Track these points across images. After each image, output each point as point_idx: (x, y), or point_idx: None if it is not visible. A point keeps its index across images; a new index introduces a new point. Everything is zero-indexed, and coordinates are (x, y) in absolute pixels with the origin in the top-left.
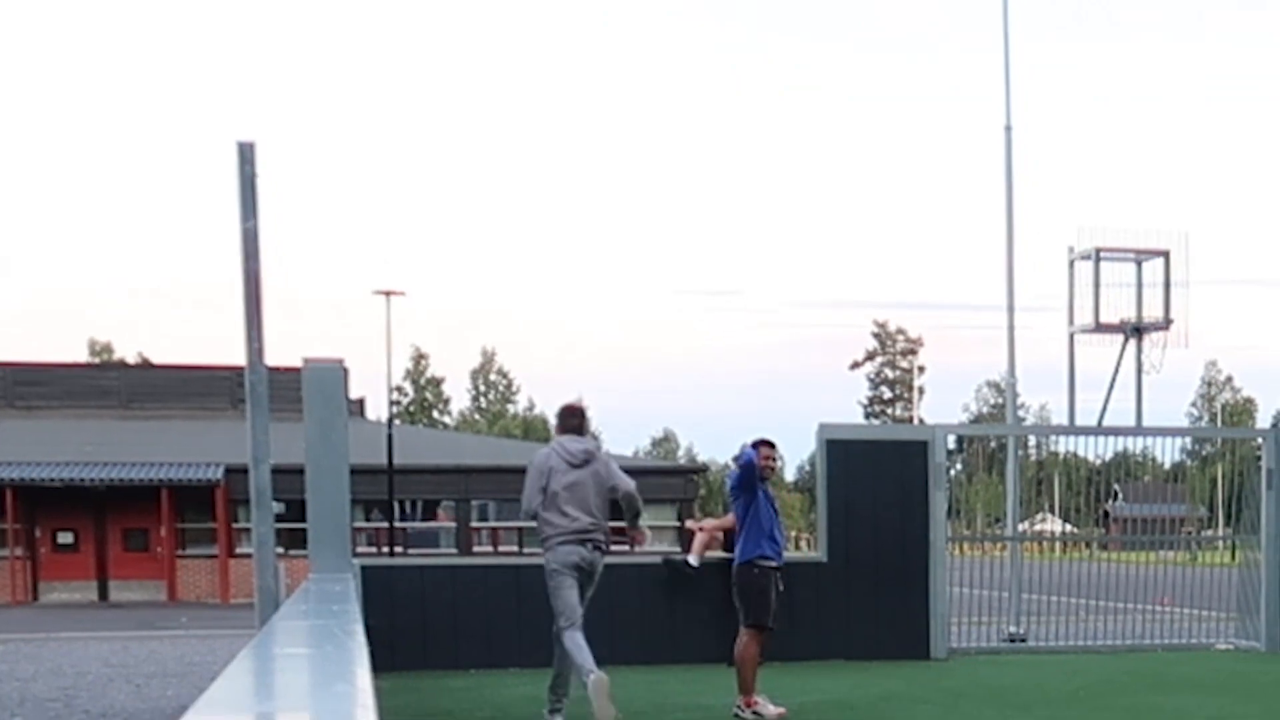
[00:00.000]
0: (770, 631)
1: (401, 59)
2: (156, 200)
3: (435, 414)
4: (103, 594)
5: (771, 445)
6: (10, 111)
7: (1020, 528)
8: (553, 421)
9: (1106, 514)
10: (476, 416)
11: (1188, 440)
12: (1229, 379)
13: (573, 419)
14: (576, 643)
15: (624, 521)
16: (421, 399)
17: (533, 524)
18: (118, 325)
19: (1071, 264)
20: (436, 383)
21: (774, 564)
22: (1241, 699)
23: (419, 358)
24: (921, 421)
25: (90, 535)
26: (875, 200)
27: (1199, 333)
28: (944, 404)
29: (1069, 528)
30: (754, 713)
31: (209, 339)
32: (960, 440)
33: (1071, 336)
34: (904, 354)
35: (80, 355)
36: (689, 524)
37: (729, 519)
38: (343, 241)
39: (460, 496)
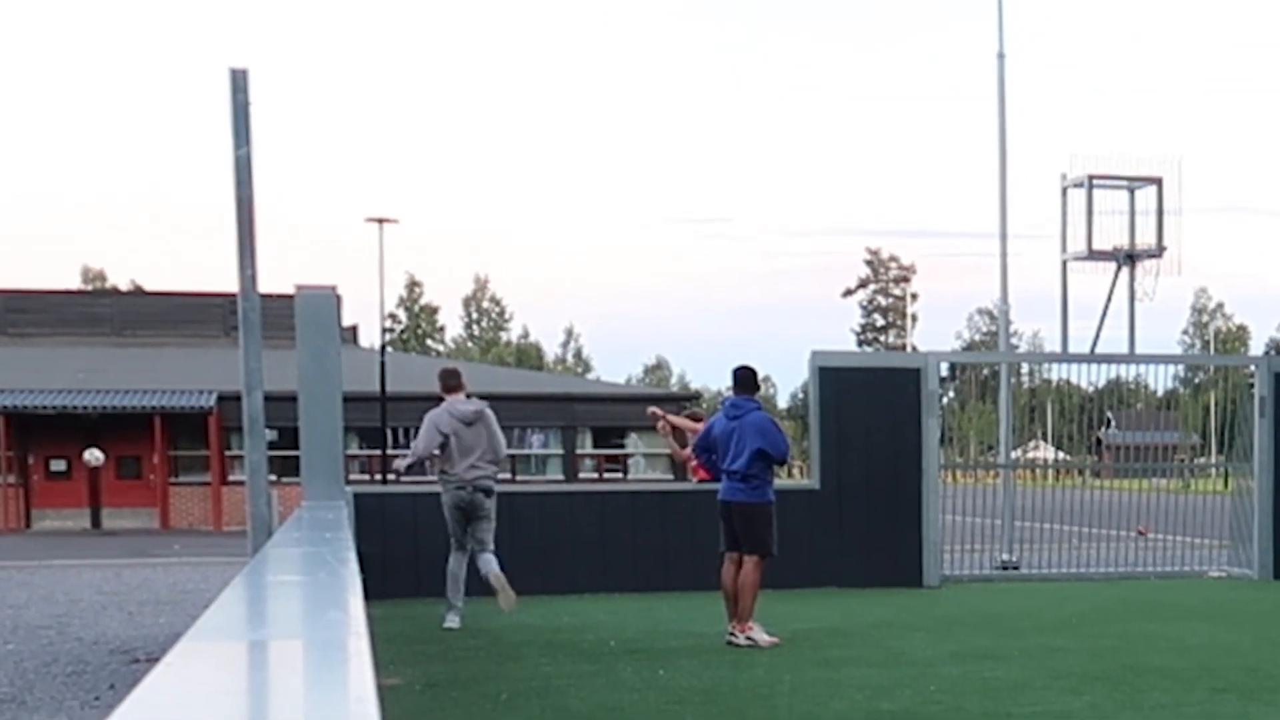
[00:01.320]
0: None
1: None
2: (150, 127)
3: (429, 342)
4: (95, 521)
5: (753, 371)
6: (3, 36)
7: (1013, 455)
8: (564, 353)
9: (1099, 441)
10: (470, 344)
11: (1180, 367)
12: (1220, 306)
13: (452, 379)
14: (453, 569)
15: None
16: (415, 326)
17: (409, 462)
18: (111, 252)
19: (1064, 191)
20: (430, 310)
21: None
22: (1234, 626)
23: (412, 285)
24: (914, 349)
25: (82, 463)
26: (868, 127)
27: (1191, 260)
28: (937, 331)
29: (1062, 455)
30: (747, 639)
31: (202, 266)
32: (953, 368)
33: (1064, 264)
34: (897, 281)
35: (73, 282)
36: (652, 410)
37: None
38: (336, 168)
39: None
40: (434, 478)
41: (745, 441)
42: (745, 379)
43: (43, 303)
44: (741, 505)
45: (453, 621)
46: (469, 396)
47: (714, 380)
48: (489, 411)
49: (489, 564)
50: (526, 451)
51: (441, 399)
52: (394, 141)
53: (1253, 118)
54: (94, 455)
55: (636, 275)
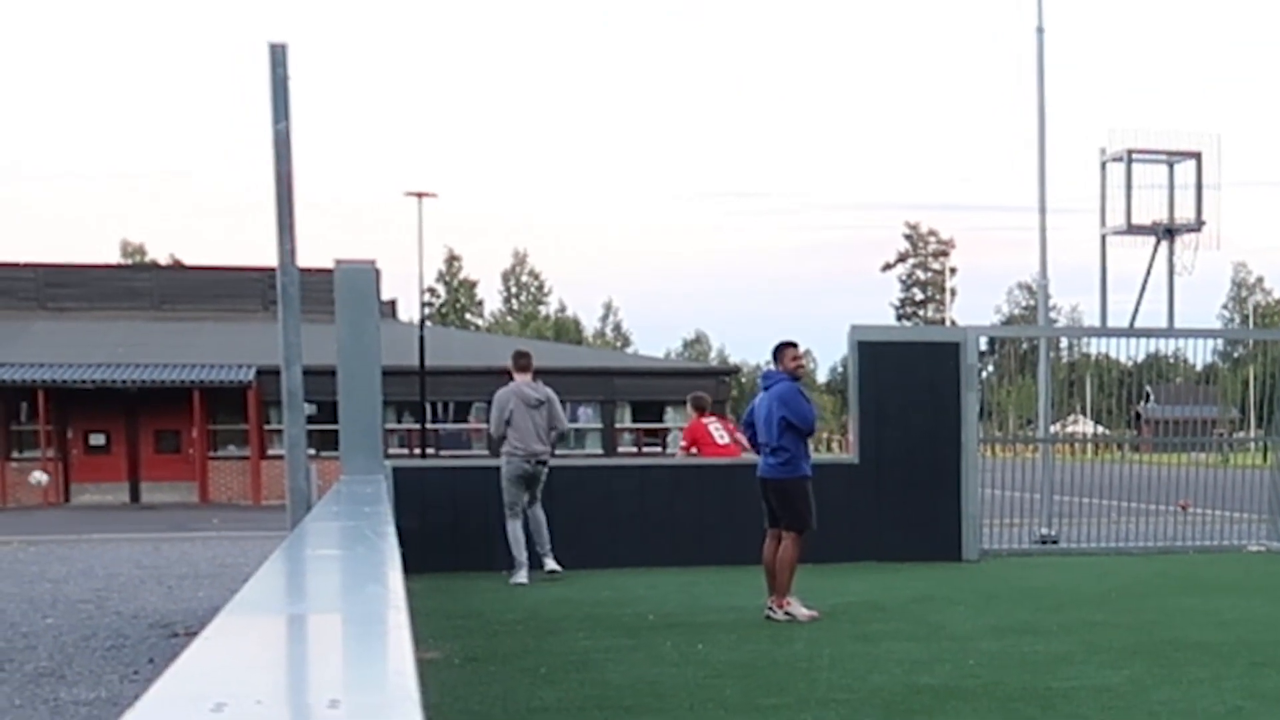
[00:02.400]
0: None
1: None
2: (189, 101)
3: (468, 316)
4: (134, 496)
5: (795, 345)
6: (46, 12)
7: (1052, 429)
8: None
9: (1138, 416)
10: (509, 318)
11: (1219, 342)
12: (1260, 280)
13: (522, 360)
14: (514, 533)
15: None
16: (454, 300)
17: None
18: (150, 227)
19: (1103, 165)
20: (469, 285)
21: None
22: (1273, 600)
23: (451, 259)
24: (953, 323)
25: (122, 437)
26: (905, 101)
27: (1230, 234)
28: (976, 305)
29: (1101, 429)
30: (786, 613)
31: (241, 240)
32: (992, 342)
33: (1103, 238)
34: (936, 256)
35: (113, 256)
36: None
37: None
38: (375, 143)
39: (491, 399)
40: (481, 452)
41: (772, 412)
42: (775, 350)
43: (82, 277)
44: (775, 481)
45: (520, 577)
46: (535, 379)
47: (753, 355)
48: (553, 395)
49: (541, 527)
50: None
51: (512, 376)
52: (433, 116)
53: None
54: (37, 477)
55: (675, 250)
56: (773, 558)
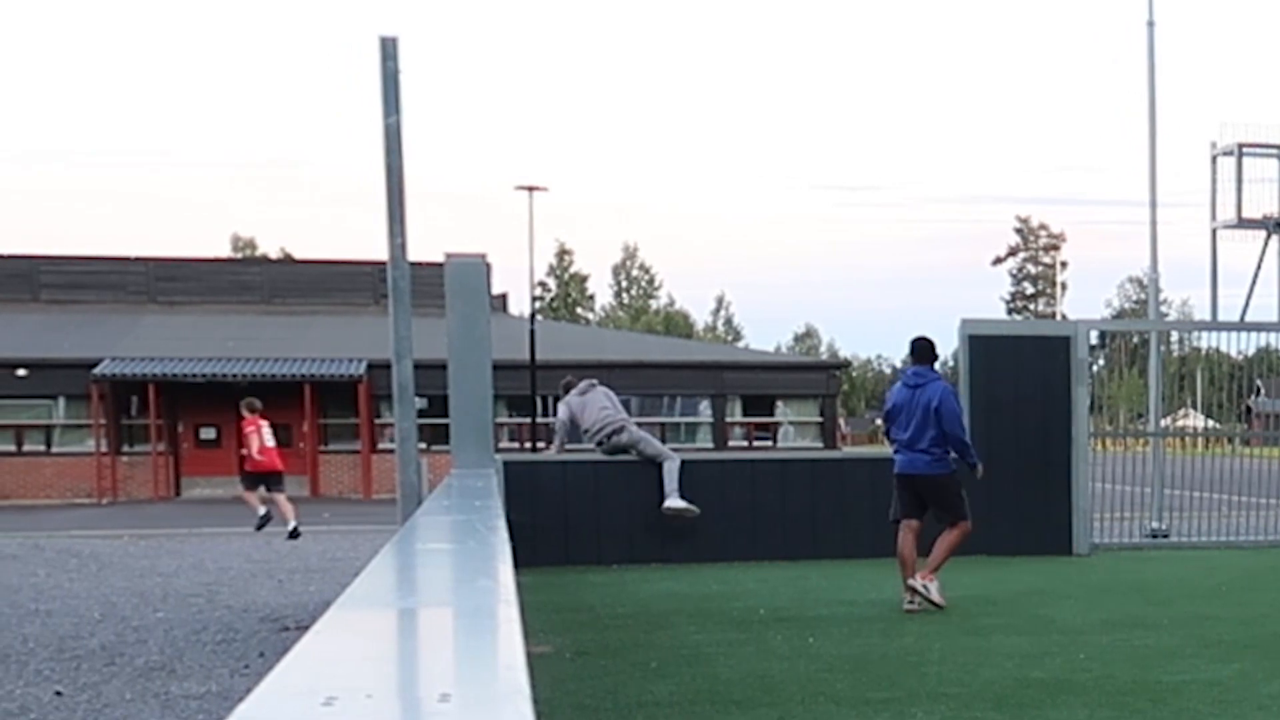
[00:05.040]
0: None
1: None
2: (301, 94)
3: (578, 310)
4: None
5: (930, 341)
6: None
7: (1163, 423)
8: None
9: (1249, 409)
10: (619, 312)
11: None
12: None
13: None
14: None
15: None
16: (565, 294)
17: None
18: (261, 220)
19: (1214, 159)
20: (580, 278)
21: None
22: None
23: (562, 253)
24: (1064, 317)
25: (232, 431)
26: (1016, 95)
27: None
28: (1086, 299)
29: (1211, 423)
30: (924, 585)
31: (352, 234)
32: (1103, 336)
33: (1214, 232)
34: (1046, 249)
35: (223, 250)
36: None
37: None
38: (486, 136)
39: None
40: (588, 445)
41: (928, 419)
42: (923, 349)
43: (193, 271)
44: (927, 478)
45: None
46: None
47: (863, 348)
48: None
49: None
50: (675, 420)
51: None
52: (545, 109)
53: None
54: None
55: (784, 243)
56: (908, 550)
